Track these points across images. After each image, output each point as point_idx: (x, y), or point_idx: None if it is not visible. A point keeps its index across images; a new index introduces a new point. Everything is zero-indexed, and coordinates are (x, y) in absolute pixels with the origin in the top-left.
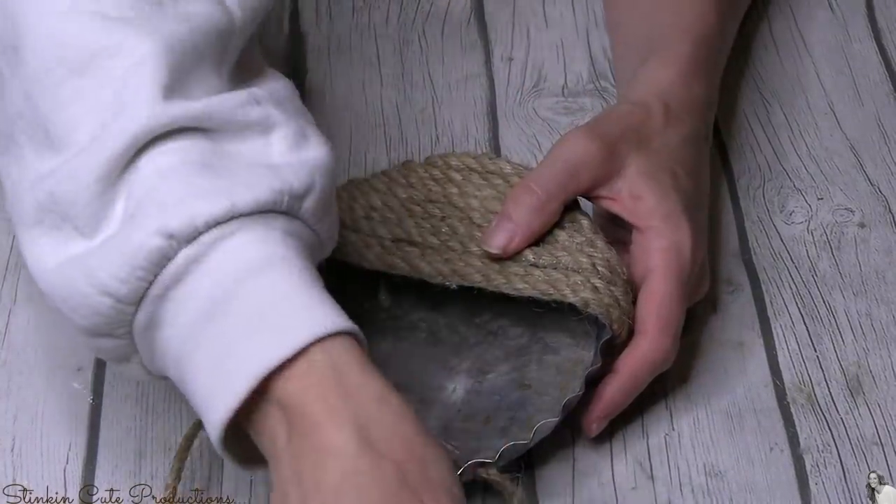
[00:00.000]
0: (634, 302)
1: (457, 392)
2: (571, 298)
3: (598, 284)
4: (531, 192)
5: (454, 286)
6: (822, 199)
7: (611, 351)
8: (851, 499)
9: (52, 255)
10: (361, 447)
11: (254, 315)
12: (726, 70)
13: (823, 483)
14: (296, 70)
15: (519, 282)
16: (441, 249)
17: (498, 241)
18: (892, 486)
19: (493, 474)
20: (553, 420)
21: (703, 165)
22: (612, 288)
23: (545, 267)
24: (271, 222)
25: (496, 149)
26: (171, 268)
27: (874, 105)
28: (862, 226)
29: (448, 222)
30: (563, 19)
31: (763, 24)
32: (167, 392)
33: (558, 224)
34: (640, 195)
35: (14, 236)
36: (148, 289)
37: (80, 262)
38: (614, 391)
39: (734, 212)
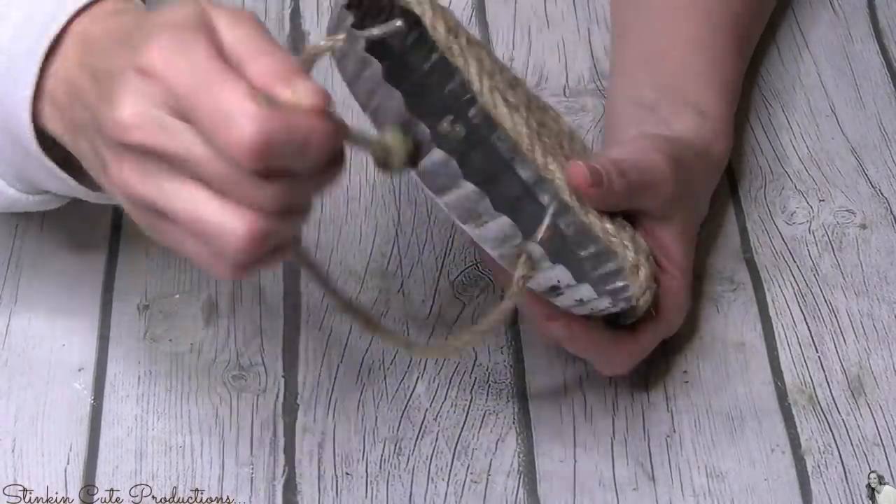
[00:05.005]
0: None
1: None
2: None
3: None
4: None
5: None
6: (823, 200)
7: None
8: (853, 500)
9: None
10: None
11: None
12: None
13: (825, 484)
14: None
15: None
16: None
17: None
18: (892, 486)
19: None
20: None
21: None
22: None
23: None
24: None
25: None
26: None
27: (875, 107)
28: (863, 227)
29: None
30: (565, 19)
31: None
32: (167, 392)
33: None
34: (673, 255)
35: (14, 236)
36: None
37: None
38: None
39: (735, 212)
